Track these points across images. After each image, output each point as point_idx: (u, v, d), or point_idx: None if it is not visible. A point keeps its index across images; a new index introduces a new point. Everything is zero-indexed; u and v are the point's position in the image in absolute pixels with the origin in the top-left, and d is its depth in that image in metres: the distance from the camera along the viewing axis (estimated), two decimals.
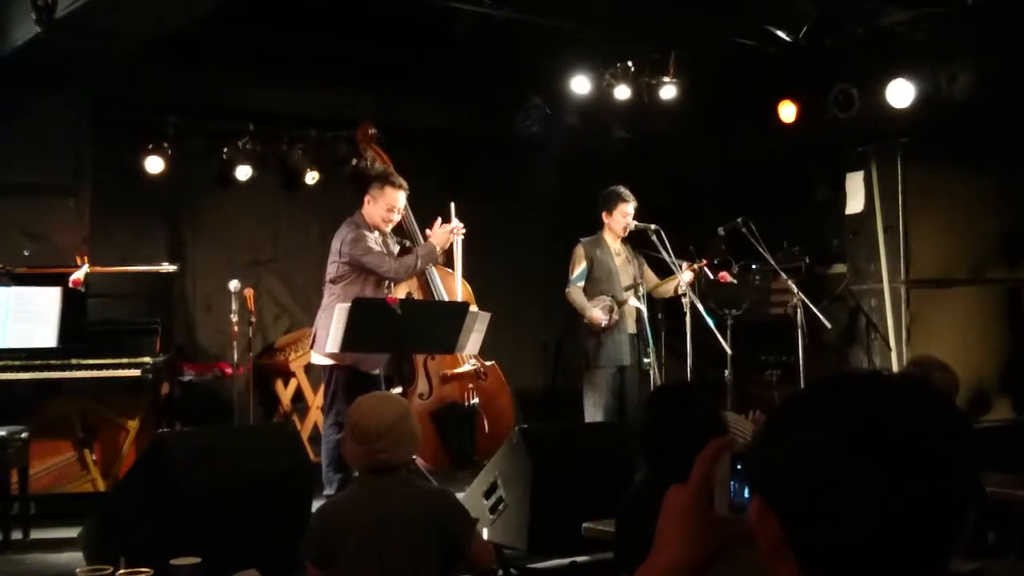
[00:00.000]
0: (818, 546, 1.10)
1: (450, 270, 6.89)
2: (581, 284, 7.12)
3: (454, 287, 6.83)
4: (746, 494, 1.20)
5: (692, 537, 1.24)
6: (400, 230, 6.73)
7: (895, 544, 1.07)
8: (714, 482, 1.24)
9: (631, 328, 7.11)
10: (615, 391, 7.04)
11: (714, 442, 1.26)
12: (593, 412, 7.03)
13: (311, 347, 6.44)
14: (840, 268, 8.62)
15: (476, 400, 6.80)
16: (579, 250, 7.19)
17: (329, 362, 6.15)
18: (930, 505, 1.07)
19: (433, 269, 6.78)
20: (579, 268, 7.14)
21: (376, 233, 6.38)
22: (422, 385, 6.71)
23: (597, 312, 6.97)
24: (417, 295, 6.71)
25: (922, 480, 1.06)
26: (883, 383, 1.15)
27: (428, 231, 6.59)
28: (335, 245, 6.31)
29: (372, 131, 7.22)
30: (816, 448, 1.09)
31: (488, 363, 7.00)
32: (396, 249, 6.58)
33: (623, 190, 7.18)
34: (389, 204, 6.33)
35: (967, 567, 3.20)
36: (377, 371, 6.27)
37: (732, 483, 1.22)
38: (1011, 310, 8.56)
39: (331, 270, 6.32)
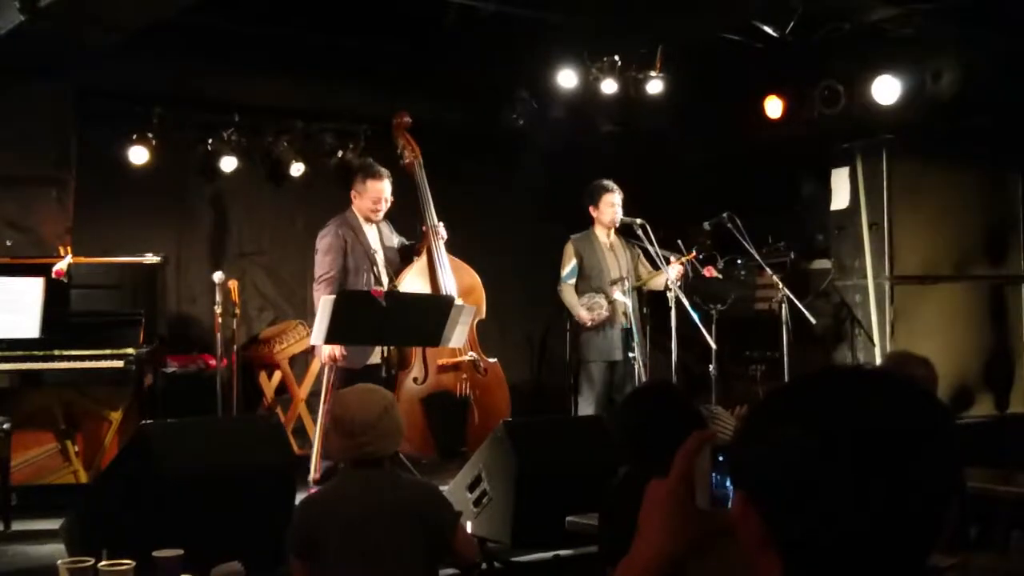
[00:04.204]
0: (800, 543, 1.10)
1: (461, 261, 6.96)
2: (572, 281, 7.16)
3: (464, 278, 6.88)
4: (728, 485, 1.20)
5: (673, 530, 1.24)
6: (416, 211, 6.77)
7: (875, 540, 1.07)
8: (695, 475, 1.24)
9: (622, 322, 7.13)
10: (606, 386, 7.08)
11: (694, 435, 1.26)
12: (585, 407, 7.08)
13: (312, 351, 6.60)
14: (825, 264, 8.64)
15: (469, 392, 6.81)
16: (568, 248, 7.22)
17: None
18: (910, 502, 1.07)
19: (445, 258, 6.80)
20: (569, 266, 7.17)
21: (373, 225, 6.44)
22: (417, 370, 6.71)
23: (583, 312, 7.04)
24: (425, 281, 6.71)
25: (902, 477, 1.06)
26: (863, 379, 1.15)
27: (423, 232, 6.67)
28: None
29: (407, 119, 7.20)
30: (796, 446, 1.09)
31: (491, 360, 7.01)
32: (395, 242, 6.67)
33: (607, 181, 7.21)
34: (373, 196, 6.45)
35: (949, 561, 3.22)
36: (370, 362, 6.30)
37: (714, 475, 1.22)
38: (994, 306, 8.60)
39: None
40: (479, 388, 6.87)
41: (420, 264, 6.78)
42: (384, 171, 6.55)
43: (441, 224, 6.82)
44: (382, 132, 7.51)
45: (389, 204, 6.56)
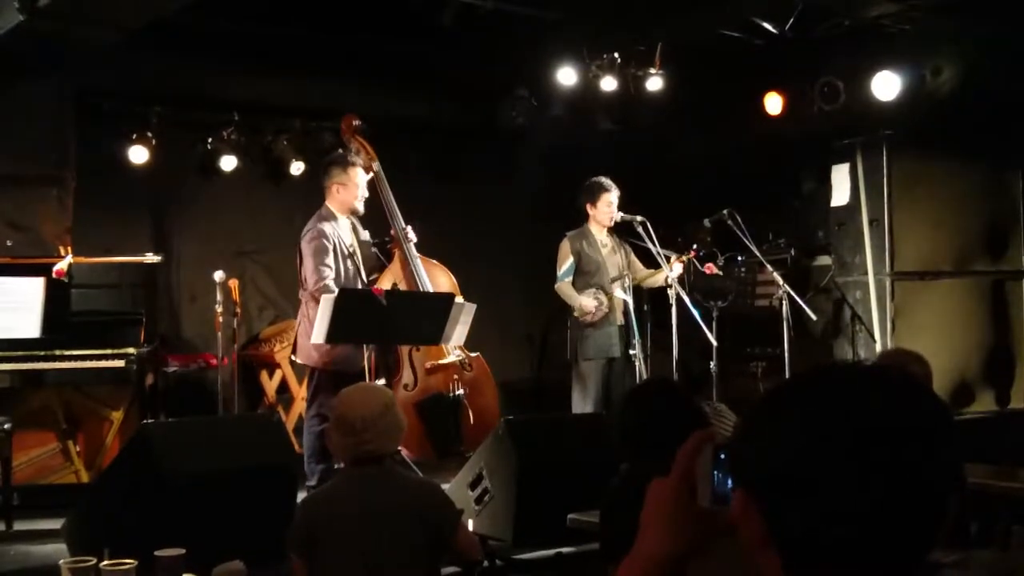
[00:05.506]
0: (800, 540, 1.10)
1: (434, 261, 6.88)
2: (569, 279, 7.10)
3: (438, 278, 6.83)
4: (729, 484, 1.20)
5: (674, 529, 1.24)
6: (381, 214, 6.69)
7: (876, 537, 1.07)
8: (696, 474, 1.24)
9: (619, 320, 7.11)
10: (604, 383, 7.04)
11: (695, 434, 1.26)
12: (582, 404, 7.02)
13: (292, 352, 6.41)
14: (825, 260, 8.64)
15: (461, 391, 6.78)
16: (565, 245, 7.16)
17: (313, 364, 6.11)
18: (910, 498, 1.07)
19: (418, 260, 6.76)
20: (566, 264, 7.11)
21: (347, 221, 6.30)
22: (407, 376, 6.69)
23: (588, 300, 6.94)
24: (402, 286, 6.67)
25: (902, 474, 1.06)
26: (863, 376, 1.15)
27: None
28: (301, 244, 6.23)
29: (356, 122, 7.16)
30: (796, 443, 1.09)
31: (473, 354, 6.98)
32: (366, 235, 6.51)
33: (605, 180, 7.17)
34: (361, 185, 6.29)
35: (950, 557, 3.22)
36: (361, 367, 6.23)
37: (715, 473, 1.22)
38: (995, 302, 8.61)
39: (302, 272, 6.23)
40: (469, 385, 6.83)
41: (394, 269, 6.68)
42: (359, 160, 6.42)
43: (409, 227, 6.73)
44: (382, 131, 7.49)
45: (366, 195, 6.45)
